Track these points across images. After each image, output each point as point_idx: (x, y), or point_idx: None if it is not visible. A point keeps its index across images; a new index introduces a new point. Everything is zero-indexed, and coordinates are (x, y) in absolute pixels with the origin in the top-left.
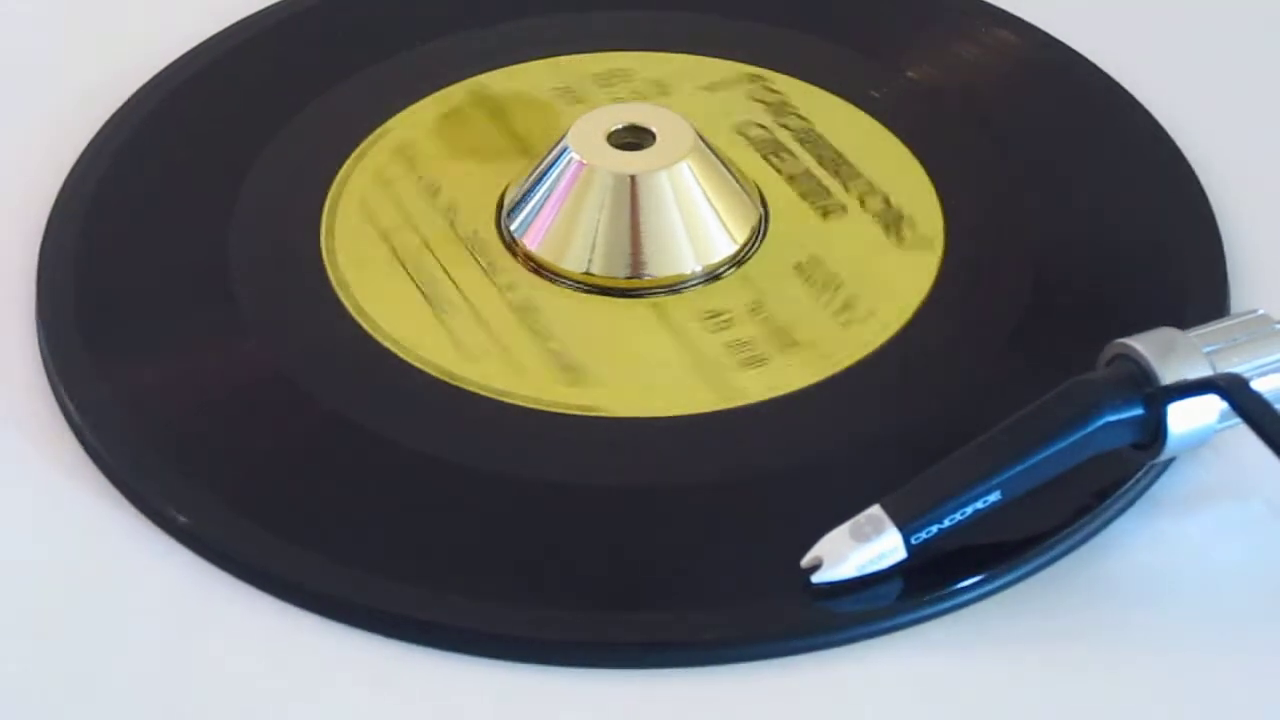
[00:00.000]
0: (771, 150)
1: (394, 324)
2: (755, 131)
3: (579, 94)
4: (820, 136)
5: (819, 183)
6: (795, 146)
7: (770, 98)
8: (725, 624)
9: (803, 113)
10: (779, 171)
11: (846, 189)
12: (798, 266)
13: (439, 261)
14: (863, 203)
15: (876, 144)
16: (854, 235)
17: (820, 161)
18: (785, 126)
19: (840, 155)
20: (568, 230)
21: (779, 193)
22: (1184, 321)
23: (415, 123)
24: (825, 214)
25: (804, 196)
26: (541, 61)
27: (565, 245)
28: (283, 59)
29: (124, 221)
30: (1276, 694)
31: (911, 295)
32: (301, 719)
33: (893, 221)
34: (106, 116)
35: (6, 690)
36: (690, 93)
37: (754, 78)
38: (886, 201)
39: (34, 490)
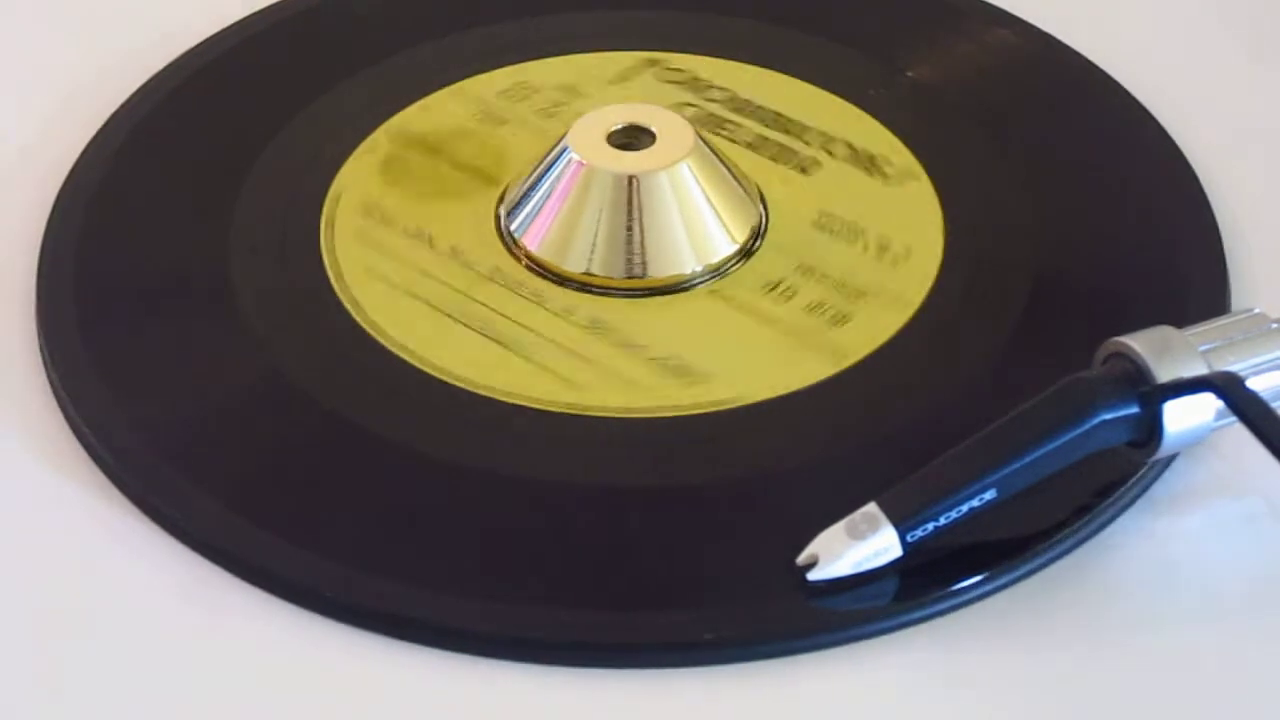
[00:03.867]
0: (715, 125)
1: (487, 374)
2: (690, 111)
3: (498, 114)
4: (749, 102)
5: (779, 144)
6: (734, 116)
7: (679, 77)
8: (722, 624)
9: (718, 84)
10: (734, 141)
11: (806, 143)
12: (816, 224)
13: (486, 305)
14: (830, 152)
15: (801, 96)
16: (841, 183)
17: (766, 124)
18: (712, 100)
19: (779, 114)
20: (568, 230)
21: (751, 161)
22: (1184, 321)
23: (360, 177)
24: (804, 170)
25: (775, 159)
26: (445, 91)
27: (565, 245)
28: (283, 58)
29: (124, 221)
30: (1276, 692)
31: (930, 226)
32: (302, 718)
33: (867, 162)
34: (107, 116)
35: (7, 690)
36: (602, 88)
37: (651, 62)
38: (850, 146)
39: (33, 491)
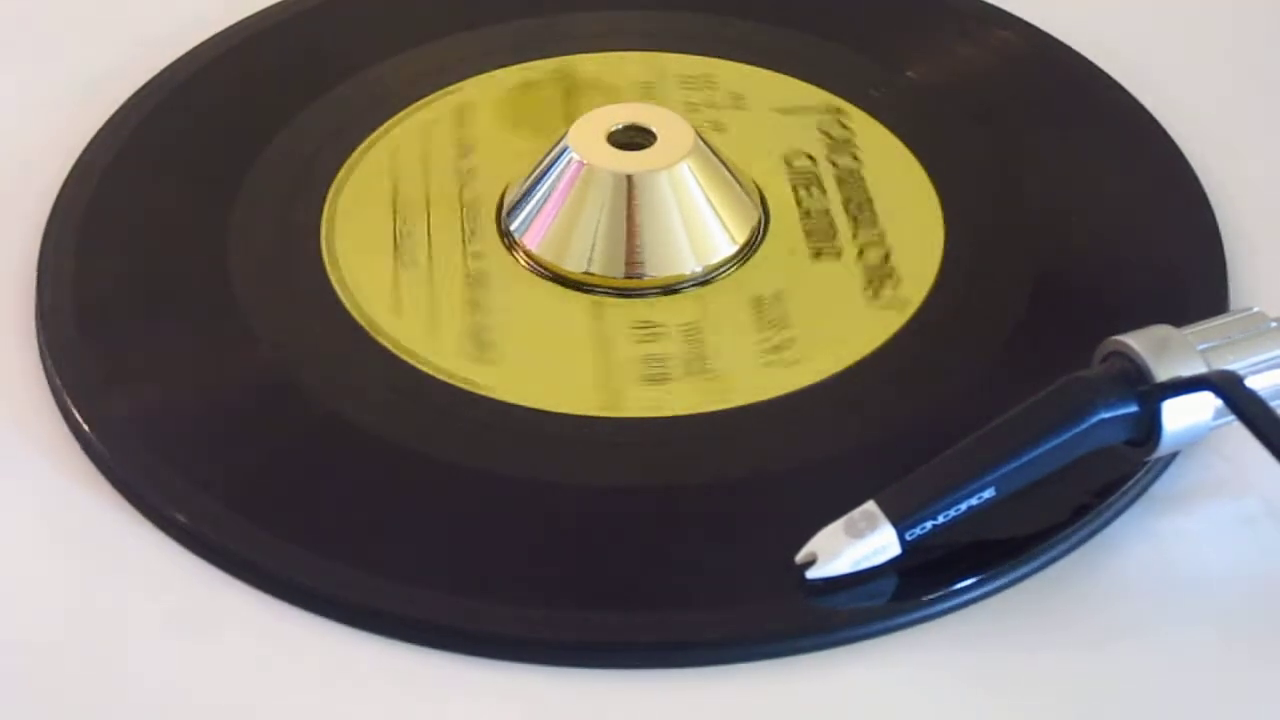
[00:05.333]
0: (805, 183)
1: (351, 264)
2: (800, 162)
3: (658, 91)
4: (861, 180)
5: (831, 223)
6: (831, 185)
7: (838, 133)
8: (721, 623)
9: (860, 153)
10: (799, 204)
11: (855, 236)
12: (757, 299)
13: (428, 216)
14: (861, 253)
15: (913, 197)
16: (832, 283)
17: (845, 205)
18: (834, 164)
19: (869, 202)
20: (568, 230)
21: (787, 224)
22: (1183, 320)
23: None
24: (818, 255)
25: (809, 234)
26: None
27: (565, 245)
28: (283, 58)
29: (124, 221)
30: (1274, 691)
31: (854, 350)
32: (301, 718)
33: (879, 278)
34: (107, 115)
35: (6, 691)
36: (763, 111)
37: (834, 110)
38: (885, 258)
39: (33, 491)
